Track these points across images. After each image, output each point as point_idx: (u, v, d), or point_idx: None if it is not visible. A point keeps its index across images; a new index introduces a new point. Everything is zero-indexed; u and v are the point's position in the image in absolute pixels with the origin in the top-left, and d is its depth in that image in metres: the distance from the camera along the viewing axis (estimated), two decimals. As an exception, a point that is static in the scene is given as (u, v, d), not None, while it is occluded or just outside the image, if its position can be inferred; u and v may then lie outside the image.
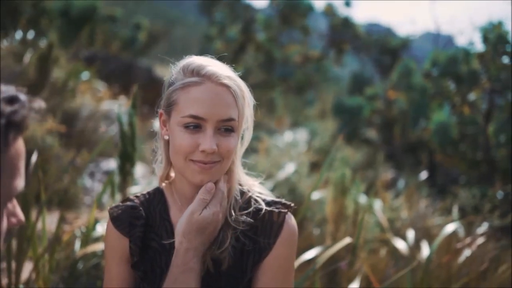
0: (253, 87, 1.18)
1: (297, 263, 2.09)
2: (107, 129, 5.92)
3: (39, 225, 2.22)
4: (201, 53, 1.20)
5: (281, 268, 1.13)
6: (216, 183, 1.11)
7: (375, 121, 10.18)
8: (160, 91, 1.16)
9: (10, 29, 7.58)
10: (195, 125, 1.06)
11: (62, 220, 2.23)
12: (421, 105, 8.28)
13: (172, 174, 1.21)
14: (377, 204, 4.02)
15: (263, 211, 1.16)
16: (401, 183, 6.79)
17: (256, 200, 1.19)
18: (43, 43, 6.81)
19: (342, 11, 15.67)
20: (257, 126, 1.23)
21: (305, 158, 5.00)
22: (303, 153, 5.47)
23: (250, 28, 15.58)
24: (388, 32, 17.36)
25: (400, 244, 3.11)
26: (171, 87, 1.11)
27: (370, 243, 3.38)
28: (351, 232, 3.24)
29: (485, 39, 5.27)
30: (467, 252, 2.92)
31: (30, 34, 7.64)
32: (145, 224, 1.19)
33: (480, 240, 3.06)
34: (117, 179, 2.50)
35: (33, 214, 2.19)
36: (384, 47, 14.84)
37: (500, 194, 4.43)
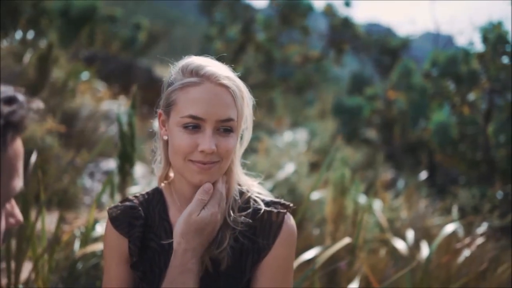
0: (253, 87, 1.18)
1: (296, 263, 2.09)
2: (107, 129, 5.92)
3: (38, 225, 2.22)
4: (201, 53, 1.20)
5: (280, 268, 1.13)
6: (214, 183, 1.11)
7: (375, 121, 10.19)
8: (160, 91, 1.16)
9: (10, 29, 7.59)
10: (194, 125, 1.06)
11: (61, 220, 2.23)
12: (421, 105, 8.28)
13: (171, 174, 1.21)
14: (377, 204, 4.02)
15: (262, 211, 1.16)
16: (400, 183, 6.79)
17: (255, 200, 1.19)
18: (43, 43, 6.82)
19: (342, 11, 15.67)
20: (256, 126, 1.23)
21: (304, 158, 5.00)
22: (303, 153, 5.48)
23: (250, 28, 15.58)
24: (388, 32, 17.36)
25: (400, 244, 3.11)
26: (170, 87, 1.11)
27: (370, 243, 3.38)
28: (350, 232, 3.24)
29: (485, 39, 5.27)
30: (466, 252, 2.93)
31: (30, 34, 7.65)
32: (144, 224, 1.19)
33: (480, 240, 3.06)
34: (116, 179, 2.50)
35: (33, 214, 2.19)
36: (384, 47, 14.84)
37: (499, 194, 4.44)
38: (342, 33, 15.45)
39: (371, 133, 10.27)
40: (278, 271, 1.13)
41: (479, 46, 5.62)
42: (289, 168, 4.47)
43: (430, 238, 3.37)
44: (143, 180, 4.53)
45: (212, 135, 1.06)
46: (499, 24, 5.21)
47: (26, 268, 2.24)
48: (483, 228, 3.49)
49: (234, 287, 1.12)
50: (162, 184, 1.23)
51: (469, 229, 3.59)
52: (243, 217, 1.14)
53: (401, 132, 9.39)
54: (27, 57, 6.00)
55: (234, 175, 1.17)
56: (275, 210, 1.16)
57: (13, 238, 2.13)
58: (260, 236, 1.14)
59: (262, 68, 15.25)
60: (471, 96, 6.19)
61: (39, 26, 9.23)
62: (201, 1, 18.25)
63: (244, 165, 1.23)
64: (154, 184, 1.28)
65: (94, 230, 2.39)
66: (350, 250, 2.94)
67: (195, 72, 1.08)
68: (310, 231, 3.74)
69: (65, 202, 4.09)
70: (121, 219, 1.19)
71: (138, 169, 4.88)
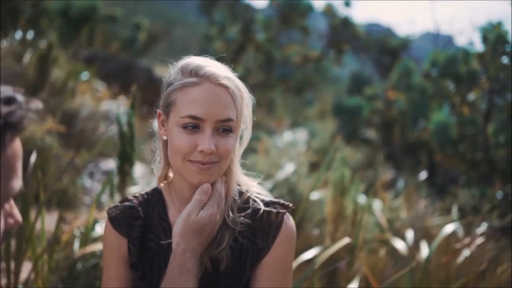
0: (252, 88, 1.18)
1: (296, 263, 2.09)
2: (107, 129, 5.92)
3: (38, 225, 2.22)
4: (201, 53, 1.20)
5: (280, 268, 1.13)
6: (213, 184, 1.11)
7: (375, 121, 10.19)
8: (160, 92, 1.16)
9: (10, 29, 7.59)
10: (194, 126, 1.06)
11: (61, 220, 2.23)
12: (421, 105, 8.28)
13: (171, 175, 1.21)
14: (377, 204, 4.03)
15: (262, 211, 1.16)
16: (400, 183, 6.80)
17: (254, 201, 1.19)
18: (42, 43, 6.82)
19: (342, 11, 15.67)
20: (256, 126, 1.23)
21: (304, 158, 5.01)
22: (303, 153, 5.48)
23: (250, 28, 15.58)
24: (387, 32, 17.36)
25: (399, 244, 3.11)
26: (169, 88, 1.11)
27: (370, 243, 3.38)
28: (350, 232, 3.24)
29: (485, 39, 5.27)
30: (466, 252, 2.93)
31: (30, 34, 7.65)
32: (144, 225, 1.19)
33: (479, 240, 3.07)
34: (116, 179, 2.50)
35: (32, 214, 2.19)
36: (383, 47, 14.85)
37: (499, 194, 4.44)
38: (342, 33, 15.46)
39: (371, 133, 10.27)
40: (278, 271, 1.13)
41: (479, 46, 5.63)
42: (288, 168, 4.48)
43: (429, 238, 3.37)
44: (142, 180, 4.53)
45: (212, 135, 1.06)
46: (499, 24, 5.21)
47: (26, 268, 2.24)
48: (482, 228, 3.49)
49: (234, 287, 1.12)
50: (162, 184, 1.23)
51: (468, 229, 3.59)
52: (242, 218, 1.14)
53: (401, 132, 9.39)
54: (27, 57, 6.00)
55: (233, 175, 1.17)
56: (274, 210, 1.16)
57: (12, 238, 2.13)
58: (260, 236, 1.14)
59: (262, 68, 15.25)
60: (471, 96, 6.19)
61: (39, 26, 9.24)
62: (201, 1, 18.25)
63: (243, 165, 1.23)
64: (153, 184, 1.28)
65: (93, 230, 2.39)
66: (349, 250, 2.95)
67: (195, 72, 1.08)
68: (310, 231, 3.74)
69: (64, 202, 4.09)
70: (121, 219, 1.19)
71: (138, 169, 4.88)
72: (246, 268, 1.13)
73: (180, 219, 1.08)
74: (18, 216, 0.78)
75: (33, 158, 2.18)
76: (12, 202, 0.77)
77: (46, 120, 4.62)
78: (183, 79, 1.09)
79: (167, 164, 1.18)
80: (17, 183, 0.74)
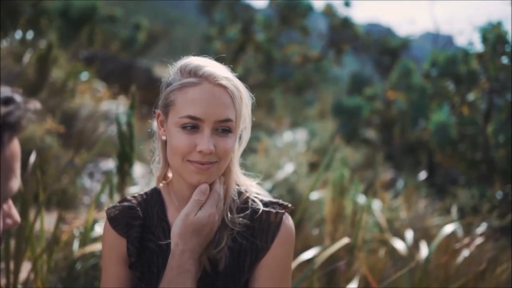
0: (252, 88, 1.18)
1: (295, 263, 2.09)
2: (106, 129, 5.92)
3: (37, 225, 2.22)
4: (201, 53, 1.20)
5: (279, 268, 1.13)
6: (212, 184, 1.11)
7: (375, 121, 10.19)
8: (159, 92, 1.16)
9: (10, 29, 7.58)
10: (193, 126, 1.06)
11: (60, 220, 2.23)
12: (421, 105, 8.29)
13: (170, 175, 1.21)
14: (376, 204, 4.03)
15: (261, 211, 1.16)
16: (400, 183, 6.80)
17: (253, 201, 1.19)
18: (42, 43, 6.82)
19: (342, 11, 15.68)
20: (256, 126, 1.23)
21: (304, 158, 5.01)
22: (302, 153, 5.48)
23: (250, 28, 15.58)
24: (387, 32, 17.37)
25: (399, 245, 3.12)
26: (168, 88, 1.11)
27: (369, 243, 3.38)
28: (349, 232, 3.24)
29: (484, 39, 5.27)
30: (465, 253, 2.93)
31: (30, 34, 7.65)
32: (143, 225, 1.19)
33: (479, 241, 3.07)
34: (115, 179, 2.50)
35: (32, 214, 2.19)
36: (383, 47, 14.85)
37: (499, 194, 4.43)
38: (342, 33, 15.46)
39: (371, 133, 10.28)
40: (277, 271, 1.13)
41: (478, 46, 5.63)
42: (288, 168, 4.48)
43: (429, 238, 3.37)
44: (142, 180, 4.53)
45: (211, 135, 1.06)
46: (499, 24, 5.21)
47: (25, 268, 2.23)
48: (482, 228, 3.49)
49: (233, 287, 1.12)
50: (161, 185, 1.23)
51: (468, 229, 3.60)
52: (241, 218, 1.14)
53: (400, 132, 9.40)
54: (27, 57, 6.00)
55: (232, 175, 1.17)
56: (273, 211, 1.16)
57: (12, 238, 2.13)
58: (258, 236, 1.14)
59: (262, 68, 15.26)
60: (471, 96, 6.19)
61: (39, 26, 9.24)
62: (201, 1, 18.26)
63: (243, 165, 1.23)
64: (153, 184, 1.28)
65: (93, 230, 2.39)
66: (349, 250, 2.95)
67: (194, 73, 1.08)
68: (309, 231, 3.74)
69: (64, 202, 4.09)
70: (119, 219, 1.19)
71: (137, 169, 4.88)
72: (245, 268, 1.13)
73: (178, 220, 1.08)
74: (17, 217, 0.78)
75: (32, 158, 2.18)
76: (10, 202, 0.77)
77: (46, 120, 4.62)
78: (182, 79, 1.09)
79: (166, 164, 1.18)
80: (16, 184, 0.74)
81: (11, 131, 0.69)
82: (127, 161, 2.44)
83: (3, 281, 2.11)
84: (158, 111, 1.15)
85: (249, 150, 4.79)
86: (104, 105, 6.65)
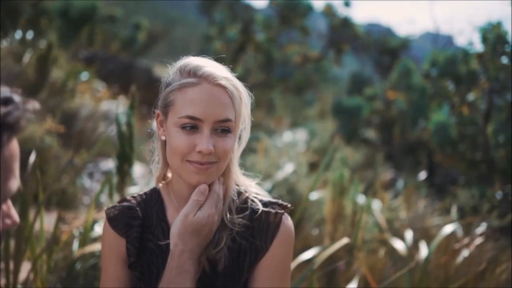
0: (252, 88, 1.17)
1: (295, 263, 2.09)
2: (106, 129, 5.92)
3: (37, 225, 2.22)
4: (201, 53, 1.20)
5: (278, 268, 1.13)
6: (211, 184, 1.11)
7: (374, 121, 10.19)
8: (159, 92, 1.16)
9: (10, 29, 7.59)
10: (192, 126, 1.06)
11: (60, 220, 2.23)
12: (420, 105, 8.29)
13: (169, 175, 1.21)
14: (376, 204, 4.03)
15: (260, 211, 1.16)
16: (400, 183, 6.80)
17: (253, 201, 1.19)
18: (42, 43, 6.82)
19: (342, 11, 15.68)
20: (256, 126, 1.23)
21: (303, 158, 5.01)
22: (302, 153, 5.48)
23: (250, 28, 15.58)
24: (387, 32, 17.37)
25: (399, 245, 3.11)
26: (168, 88, 1.11)
27: (369, 243, 3.38)
28: (349, 232, 3.24)
29: (484, 39, 5.27)
30: (465, 253, 2.93)
31: (30, 34, 7.65)
32: (142, 225, 1.19)
33: (479, 241, 3.07)
34: (115, 179, 2.50)
35: (31, 214, 2.19)
36: (383, 47, 14.85)
37: (499, 194, 4.43)
38: (342, 33, 15.46)
39: (371, 133, 10.28)
40: (276, 272, 1.13)
41: (478, 46, 5.62)
42: (288, 168, 4.48)
43: (429, 239, 3.37)
44: (142, 180, 4.53)
45: (210, 135, 1.06)
46: (499, 24, 5.21)
47: (25, 268, 2.24)
48: (482, 228, 3.49)
49: (232, 287, 1.12)
50: (160, 185, 1.23)
51: (468, 229, 3.60)
52: (240, 219, 1.14)
53: (400, 132, 9.40)
54: (27, 57, 6.00)
55: (232, 175, 1.17)
56: (273, 211, 1.16)
57: (11, 238, 2.13)
58: (258, 236, 1.14)
59: (262, 68, 15.26)
60: (471, 96, 6.19)
61: (39, 26, 9.24)
62: (201, 1, 18.27)
63: (242, 165, 1.23)
64: (152, 184, 1.28)
65: (92, 230, 2.39)
66: (348, 250, 2.95)
67: (193, 73, 1.08)
68: (309, 231, 3.74)
69: (64, 202, 4.09)
70: (119, 220, 1.19)
71: (137, 169, 4.88)
72: (244, 268, 1.13)
73: (178, 220, 1.08)
74: (16, 217, 0.78)
75: (32, 158, 2.18)
76: (9, 202, 0.77)
77: (46, 120, 4.62)
78: (181, 79, 1.09)
79: (166, 165, 1.18)
80: (15, 184, 0.74)
81: (10, 131, 0.69)
82: (127, 161, 2.44)
83: (3, 281, 2.11)
84: (157, 111, 1.15)
85: (249, 150, 4.79)
86: (104, 105, 6.65)
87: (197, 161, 1.06)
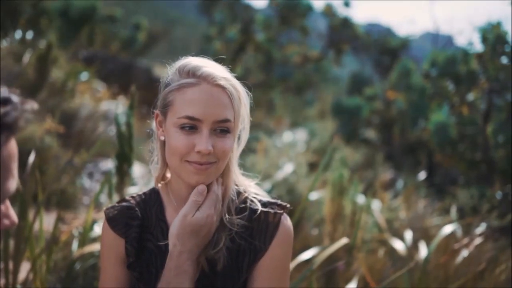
0: (252, 88, 1.17)
1: (294, 263, 2.09)
2: (106, 130, 5.92)
3: (36, 225, 2.22)
4: (201, 53, 1.20)
5: (277, 268, 1.13)
6: (210, 185, 1.11)
7: (374, 121, 10.20)
8: (158, 92, 1.16)
9: (10, 29, 7.59)
10: (191, 126, 1.06)
11: (59, 220, 2.23)
12: (420, 105, 8.29)
13: (168, 175, 1.21)
14: (376, 205, 4.03)
15: (259, 212, 1.16)
16: (399, 184, 6.80)
17: (252, 201, 1.19)
18: (42, 43, 6.82)
19: (342, 11, 15.69)
20: (256, 126, 1.23)
21: (303, 158, 5.01)
22: (302, 153, 5.48)
23: (250, 28, 15.59)
24: (387, 32, 17.37)
25: (398, 245, 3.11)
26: (167, 88, 1.11)
27: (368, 243, 3.38)
28: (349, 232, 3.24)
29: (484, 39, 5.27)
30: (464, 253, 2.93)
31: (30, 34, 7.65)
32: (141, 225, 1.19)
33: (478, 241, 3.07)
34: (114, 179, 2.50)
35: (31, 214, 2.19)
36: (383, 47, 14.85)
37: (498, 194, 4.43)
38: (342, 33, 15.47)
39: (371, 133, 10.28)
40: (275, 272, 1.13)
41: (478, 46, 5.62)
42: (287, 169, 4.48)
43: (428, 239, 3.37)
44: (141, 181, 4.53)
45: (209, 136, 1.06)
46: (498, 24, 5.21)
47: (24, 268, 2.23)
48: (481, 228, 3.49)
49: (231, 287, 1.12)
50: (159, 185, 1.23)
51: (467, 229, 3.60)
52: (239, 220, 1.14)
53: (400, 132, 9.40)
54: (27, 57, 6.00)
55: (231, 175, 1.17)
56: (272, 211, 1.16)
57: (11, 238, 2.13)
58: (257, 236, 1.14)
59: (262, 68, 15.27)
60: (470, 96, 6.19)
61: (39, 26, 9.24)
62: (201, 1, 18.28)
63: (242, 165, 1.23)
64: (152, 185, 1.28)
65: (92, 230, 2.39)
66: (348, 250, 2.95)
67: (192, 73, 1.08)
68: (308, 231, 3.74)
69: (63, 202, 4.09)
70: (118, 220, 1.19)
71: (137, 170, 4.88)
72: (243, 268, 1.13)
73: (176, 220, 1.08)
74: (14, 217, 0.78)
75: (31, 158, 2.18)
76: (7, 203, 0.77)
77: (46, 120, 4.62)
78: (180, 79, 1.09)
79: (165, 165, 1.18)
80: (13, 184, 0.74)
81: (8, 132, 0.69)
82: (126, 161, 2.44)
83: (2, 281, 2.11)
84: (156, 111, 1.15)
85: (249, 150, 4.79)
86: (103, 105, 6.66)
87: (196, 161, 1.07)
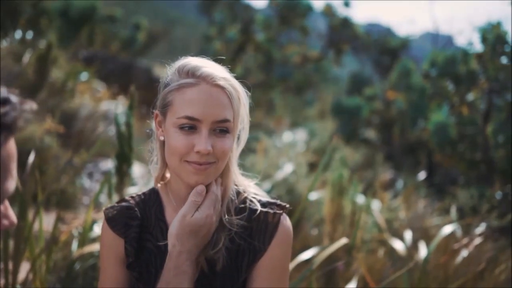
0: (252, 88, 1.17)
1: (294, 263, 2.09)
2: (106, 130, 5.92)
3: (36, 225, 2.22)
4: (201, 53, 1.20)
5: (276, 268, 1.13)
6: (209, 185, 1.11)
7: (374, 121, 10.20)
8: (158, 92, 1.16)
9: (10, 29, 7.59)
10: (190, 126, 1.06)
11: (59, 220, 2.23)
12: (420, 105, 8.29)
13: (168, 175, 1.21)
14: (375, 205, 4.03)
15: (258, 212, 1.16)
16: (399, 184, 6.81)
17: (251, 201, 1.19)
18: (42, 43, 6.82)
19: (341, 11, 15.70)
20: (256, 126, 1.23)
21: (303, 158, 5.01)
22: (302, 153, 5.48)
23: (250, 28, 15.59)
24: (387, 32, 17.37)
25: (398, 245, 3.12)
26: (166, 88, 1.11)
27: (368, 243, 3.38)
28: (348, 232, 3.24)
29: (484, 40, 5.27)
30: (464, 253, 2.93)
31: (30, 34, 7.65)
32: (141, 225, 1.19)
33: (478, 241, 3.07)
34: (114, 179, 2.50)
35: (30, 214, 2.20)
36: (383, 47, 14.86)
37: (498, 194, 4.44)
38: (342, 33, 15.47)
39: (370, 133, 10.28)
40: (274, 272, 1.13)
41: (478, 46, 5.63)
42: (287, 169, 4.48)
43: (428, 239, 3.37)
44: (141, 181, 4.53)
45: (208, 136, 1.06)
46: (498, 25, 5.21)
47: (24, 268, 2.23)
48: (481, 228, 3.49)
49: (230, 287, 1.12)
50: (159, 185, 1.23)
51: (467, 229, 3.60)
52: (238, 220, 1.14)
53: (400, 132, 9.40)
54: (27, 57, 6.00)
55: (231, 175, 1.17)
56: (271, 211, 1.16)
57: (11, 238, 2.13)
58: (256, 237, 1.14)
59: (262, 68, 15.27)
60: (470, 96, 6.20)
61: (39, 26, 9.24)
62: (201, 1, 18.28)
63: (241, 165, 1.23)
64: (151, 185, 1.28)
65: (91, 230, 2.39)
66: (347, 250, 2.95)
67: (191, 73, 1.08)
68: (308, 231, 3.74)
69: (63, 202, 4.09)
70: (117, 220, 1.19)
71: (136, 170, 4.88)
72: (243, 268, 1.13)
73: (176, 221, 1.08)
74: (13, 217, 0.78)
75: (31, 158, 2.18)
76: (7, 203, 0.77)
77: (45, 120, 4.62)
78: (180, 79, 1.09)
79: (164, 165, 1.18)
80: (12, 184, 0.74)
81: (7, 132, 0.69)
82: (126, 161, 2.44)
83: (2, 281, 2.11)
84: (156, 111, 1.15)
85: (248, 150, 4.79)
86: (103, 105, 6.66)
87: (196, 161, 1.07)
